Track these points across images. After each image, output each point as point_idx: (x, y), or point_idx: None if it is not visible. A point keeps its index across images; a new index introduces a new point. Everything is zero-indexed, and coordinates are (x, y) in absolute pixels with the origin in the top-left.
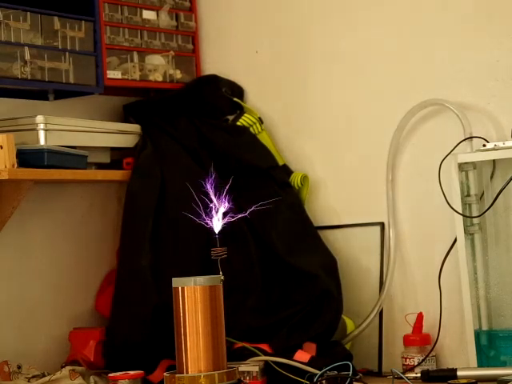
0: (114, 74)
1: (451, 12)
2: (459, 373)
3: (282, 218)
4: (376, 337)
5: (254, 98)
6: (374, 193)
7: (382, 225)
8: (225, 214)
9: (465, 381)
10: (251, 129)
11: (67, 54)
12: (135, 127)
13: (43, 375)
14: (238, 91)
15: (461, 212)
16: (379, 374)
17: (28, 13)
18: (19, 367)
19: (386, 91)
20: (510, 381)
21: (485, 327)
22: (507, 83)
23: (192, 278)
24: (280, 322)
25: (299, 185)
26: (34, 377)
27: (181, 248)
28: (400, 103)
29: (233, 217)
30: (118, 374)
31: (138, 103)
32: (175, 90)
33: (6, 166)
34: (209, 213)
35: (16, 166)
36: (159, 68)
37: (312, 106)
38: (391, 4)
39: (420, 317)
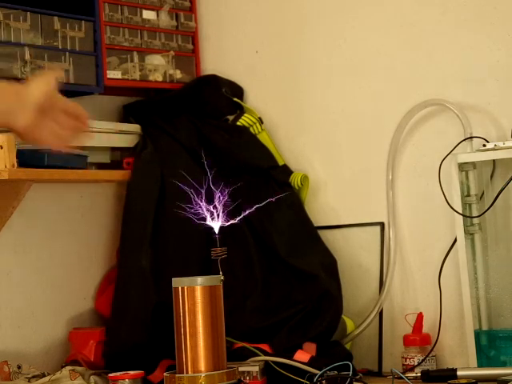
0: (114, 74)
1: (451, 12)
2: (459, 373)
3: (282, 218)
4: (376, 337)
5: (253, 98)
6: (374, 193)
7: (381, 225)
8: (225, 214)
9: (465, 381)
10: (251, 129)
11: (67, 53)
12: (135, 127)
13: (43, 375)
14: (238, 91)
15: (461, 212)
16: (379, 374)
17: (28, 13)
18: (19, 367)
19: (386, 91)
20: (510, 381)
21: (485, 327)
22: (507, 83)
23: (192, 278)
24: (280, 322)
25: (299, 185)
26: (34, 377)
27: (181, 248)
28: (400, 103)
29: (233, 217)
30: (118, 374)
31: (138, 103)
32: (175, 90)
33: (6, 166)
34: (209, 213)
35: (16, 166)
36: (159, 68)
37: (312, 105)
38: (391, 4)
39: (420, 317)
